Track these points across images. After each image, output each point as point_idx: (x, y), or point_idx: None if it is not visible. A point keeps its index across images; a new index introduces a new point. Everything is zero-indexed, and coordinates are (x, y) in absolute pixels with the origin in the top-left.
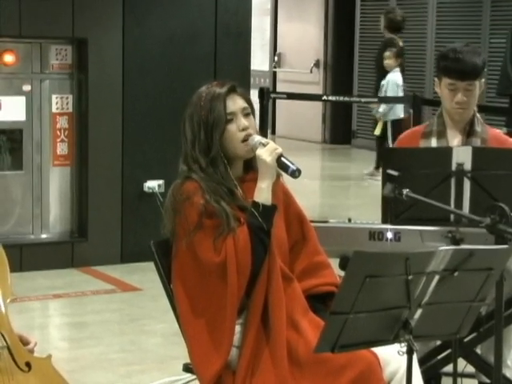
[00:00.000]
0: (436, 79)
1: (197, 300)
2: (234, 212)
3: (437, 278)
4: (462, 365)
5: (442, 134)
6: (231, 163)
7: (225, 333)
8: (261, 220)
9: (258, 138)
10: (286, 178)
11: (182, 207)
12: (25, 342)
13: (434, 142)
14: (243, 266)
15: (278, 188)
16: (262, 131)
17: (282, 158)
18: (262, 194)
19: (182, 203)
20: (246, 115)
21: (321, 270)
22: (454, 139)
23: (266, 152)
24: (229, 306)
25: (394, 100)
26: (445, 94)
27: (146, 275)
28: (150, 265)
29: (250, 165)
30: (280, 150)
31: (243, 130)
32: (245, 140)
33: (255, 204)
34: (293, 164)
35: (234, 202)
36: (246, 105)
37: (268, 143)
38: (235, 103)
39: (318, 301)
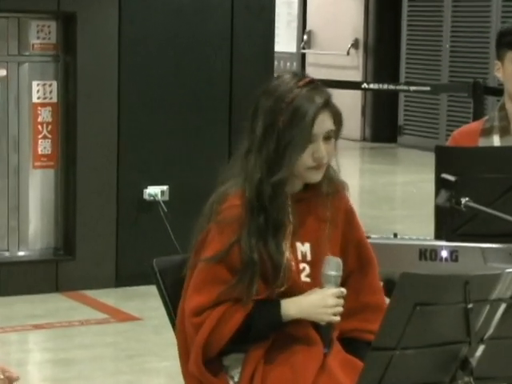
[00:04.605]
0: (497, 62)
1: None
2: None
3: (503, 306)
4: None
5: (506, 130)
6: (289, 179)
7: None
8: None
9: (333, 271)
10: None
11: (211, 228)
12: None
13: (496, 141)
14: (214, 346)
15: (340, 203)
16: None
17: (328, 329)
18: (288, 310)
19: (212, 223)
20: (327, 139)
21: (368, 312)
22: None
23: (329, 309)
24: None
25: (449, 88)
26: (510, 73)
27: (146, 302)
28: (152, 289)
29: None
30: (338, 319)
31: (315, 159)
32: (311, 168)
33: (275, 306)
34: (327, 345)
35: (275, 246)
36: (332, 127)
37: (342, 293)
38: (322, 124)
39: (354, 346)
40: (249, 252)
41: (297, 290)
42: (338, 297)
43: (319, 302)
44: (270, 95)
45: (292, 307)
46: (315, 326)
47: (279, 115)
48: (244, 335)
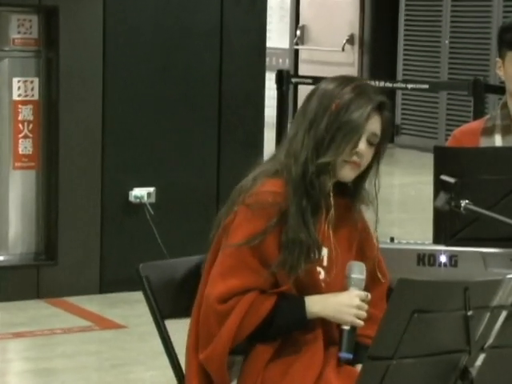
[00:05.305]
0: (498, 59)
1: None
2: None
3: (504, 314)
4: None
5: (508, 130)
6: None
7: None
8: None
9: (359, 273)
10: None
11: (239, 211)
12: None
13: (498, 140)
14: (240, 335)
15: (359, 219)
16: (281, 124)
17: (351, 333)
18: (312, 307)
19: (241, 205)
20: (370, 143)
21: (367, 320)
22: None
23: (353, 309)
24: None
25: (449, 86)
26: (511, 72)
27: (131, 309)
28: (138, 295)
29: (341, 186)
30: (361, 323)
31: (355, 154)
32: (347, 162)
33: (300, 301)
34: (350, 350)
35: (313, 226)
36: (378, 132)
37: (367, 297)
38: (372, 124)
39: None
40: (296, 231)
41: (316, 290)
42: (363, 300)
43: (344, 301)
44: (331, 83)
45: (316, 304)
46: (335, 331)
47: (336, 99)
48: (264, 329)
